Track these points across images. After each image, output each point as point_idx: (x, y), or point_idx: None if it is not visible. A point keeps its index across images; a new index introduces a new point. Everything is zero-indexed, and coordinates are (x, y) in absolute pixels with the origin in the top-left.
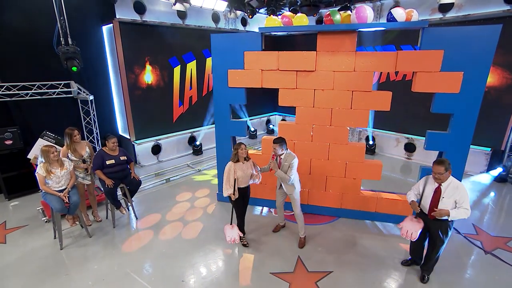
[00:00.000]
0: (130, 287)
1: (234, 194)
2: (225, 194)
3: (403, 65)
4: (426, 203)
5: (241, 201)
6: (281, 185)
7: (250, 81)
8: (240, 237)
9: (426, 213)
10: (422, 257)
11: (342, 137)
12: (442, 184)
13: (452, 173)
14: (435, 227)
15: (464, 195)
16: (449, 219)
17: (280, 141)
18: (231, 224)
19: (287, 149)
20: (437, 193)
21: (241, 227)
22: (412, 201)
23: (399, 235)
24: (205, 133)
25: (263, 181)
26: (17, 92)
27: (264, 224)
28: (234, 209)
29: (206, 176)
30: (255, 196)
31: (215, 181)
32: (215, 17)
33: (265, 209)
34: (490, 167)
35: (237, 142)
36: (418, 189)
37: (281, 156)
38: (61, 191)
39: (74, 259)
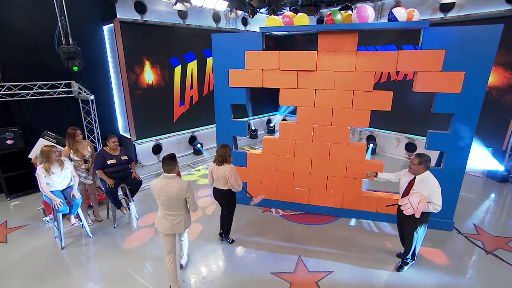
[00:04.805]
0: (131, 286)
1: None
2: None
3: (404, 65)
4: (400, 193)
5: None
6: None
7: (251, 81)
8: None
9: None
10: None
11: (342, 137)
12: (416, 177)
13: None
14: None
15: (435, 190)
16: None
17: None
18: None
19: None
20: (410, 185)
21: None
22: (376, 173)
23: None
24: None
25: (263, 181)
26: (18, 92)
27: (264, 224)
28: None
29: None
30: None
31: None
32: (216, 17)
33: (266, 209)
34: (490, 167)
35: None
36: (398, 176)
37: None
38: (62, 191)
39: (75, 259)
